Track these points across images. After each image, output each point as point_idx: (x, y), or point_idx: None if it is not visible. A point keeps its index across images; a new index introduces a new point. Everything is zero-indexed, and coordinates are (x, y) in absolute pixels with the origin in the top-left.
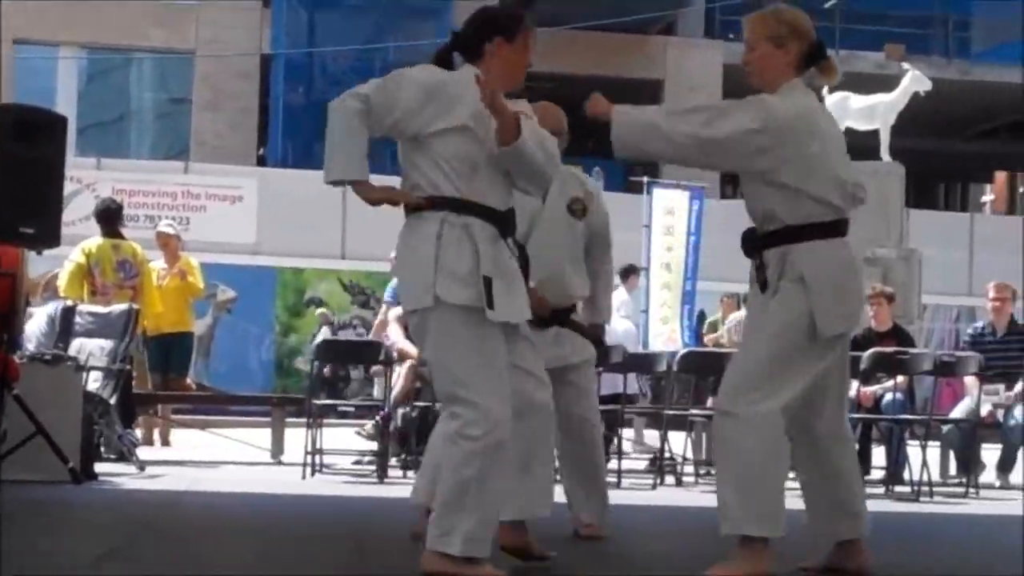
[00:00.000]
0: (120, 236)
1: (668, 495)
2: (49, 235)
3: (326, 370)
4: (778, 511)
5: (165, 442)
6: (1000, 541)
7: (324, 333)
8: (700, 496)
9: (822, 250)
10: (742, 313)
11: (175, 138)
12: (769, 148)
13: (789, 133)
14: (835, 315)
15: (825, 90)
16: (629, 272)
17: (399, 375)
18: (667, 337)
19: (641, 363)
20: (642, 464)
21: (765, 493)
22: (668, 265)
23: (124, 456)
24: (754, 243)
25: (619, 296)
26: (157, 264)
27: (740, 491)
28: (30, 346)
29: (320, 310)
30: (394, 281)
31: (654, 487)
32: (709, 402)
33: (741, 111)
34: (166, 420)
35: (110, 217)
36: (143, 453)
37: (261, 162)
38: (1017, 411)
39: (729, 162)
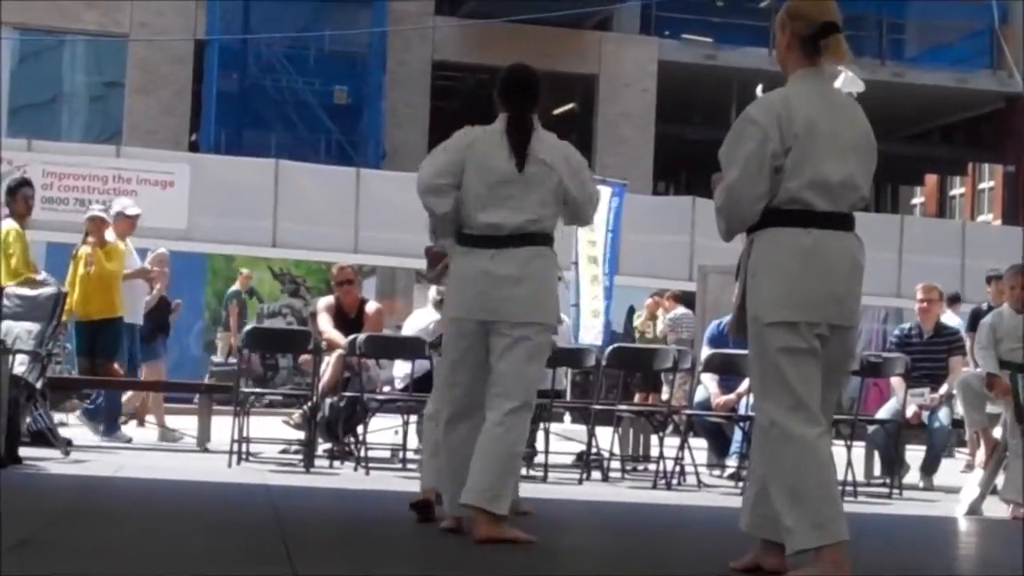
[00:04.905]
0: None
1: (594, 490)
2: None
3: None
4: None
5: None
6: (924, 542)
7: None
8: (626, 491)
9: (774, 236)
10: (680, 310)
11: (107, 121)
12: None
13: (771, 126)
14: (774, 302)
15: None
16: None
17: (328, 364)
18: (597, 331)
19: (570, 358)
20: (568, 459)
21: (816, 501)
22: (595, 259)
23: (49, 441)
24: None
25: None
26: (85, 250)
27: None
28: None
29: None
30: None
31: (580, 482)
32: (636, 397)
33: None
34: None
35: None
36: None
37: (193, 148)
38: (942, 413)
39: (761, 181)
